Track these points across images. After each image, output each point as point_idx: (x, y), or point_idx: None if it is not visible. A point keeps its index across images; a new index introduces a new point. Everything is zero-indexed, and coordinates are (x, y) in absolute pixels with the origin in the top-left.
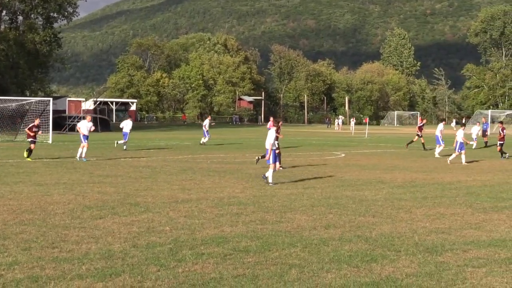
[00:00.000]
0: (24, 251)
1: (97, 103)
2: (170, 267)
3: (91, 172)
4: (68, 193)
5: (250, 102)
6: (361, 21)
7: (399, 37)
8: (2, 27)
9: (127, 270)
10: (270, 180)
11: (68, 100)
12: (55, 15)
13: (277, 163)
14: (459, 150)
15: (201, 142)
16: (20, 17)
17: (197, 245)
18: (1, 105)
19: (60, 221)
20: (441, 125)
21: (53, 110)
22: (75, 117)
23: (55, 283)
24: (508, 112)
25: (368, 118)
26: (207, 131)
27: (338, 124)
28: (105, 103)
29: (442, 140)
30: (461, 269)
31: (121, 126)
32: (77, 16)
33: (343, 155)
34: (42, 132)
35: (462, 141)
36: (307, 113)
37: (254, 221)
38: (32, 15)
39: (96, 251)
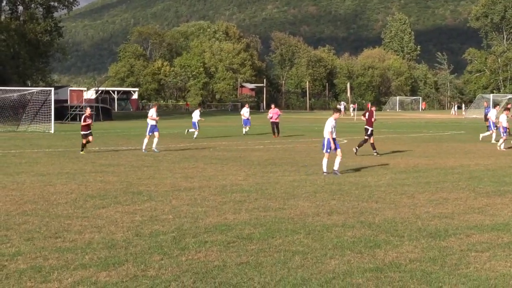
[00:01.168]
0: (27, 242)
1: (99, 92)
2: (174, 255)
3: (94, 162)
4: (71, 183)
5: (251, 89)
6: (361, 7)
7: (399, 22)
8: (3, 17)
9: (130, 259)
10: (324, 168)
11: (70, 90)
12: (56, 4)
13: (338, 149)
14: (504, 134)
15: (244, 132)
16: (20, 7)
17: (200, 233)
18: (3, 96)
19: (62, 211)
20: (494, 111)
21: (54, 100)
22: (76, 106)
23: (58, 273)
24: (510, 96)
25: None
26: (247, 119)
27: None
28: (107, 92)
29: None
30: (465, 253)
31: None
32: (77, 5)
33: (345, 141)
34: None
35: (506, 125)
36: (309, 99)
37: (257, 208)
38: (33, 5)
39: (99, 240)
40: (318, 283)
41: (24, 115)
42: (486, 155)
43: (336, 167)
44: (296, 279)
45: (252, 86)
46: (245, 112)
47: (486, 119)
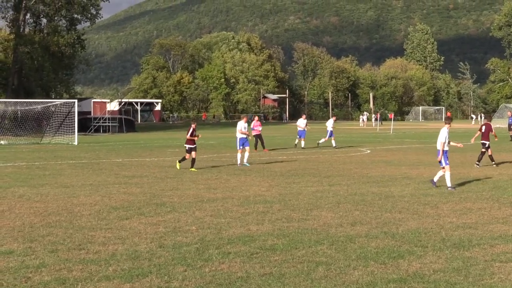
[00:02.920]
0: (51, 253)
1: (122, 104)
2: (197, 266)
3: (117, 173)
4: (94, 195)
5: (274, 100)
6: (384, 17)
7: (422, 32)
8: (27, 30)
9: (154, 270)
10: (448, 183)
11: (93, 102)
12: (79, 17)
13: (447, 165)
14: None
15: (296, 143)
16: (44, 20)
17: (224, 244)
18: (27, 108)
19: (86, 222)
20: None
21: (78, 112)
22: (100, 118)
23: (82, 284)
24: None
25: (392, 114)
26: (303, 130)
27: (363, 120)
28: (130, 103)
29: None
30: (489, 264)
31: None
32: (100, 18)
33: (368, 151)
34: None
35: None
36: (332, 109)
37: (280, 219)
38: (56, 18)
39: (122, 252)
40: None
41: (48, 127)
42: (510, 165)
43: (448, 183)
44: None
45: (275, 97)
46: (301, 123)
47: (510, 129)
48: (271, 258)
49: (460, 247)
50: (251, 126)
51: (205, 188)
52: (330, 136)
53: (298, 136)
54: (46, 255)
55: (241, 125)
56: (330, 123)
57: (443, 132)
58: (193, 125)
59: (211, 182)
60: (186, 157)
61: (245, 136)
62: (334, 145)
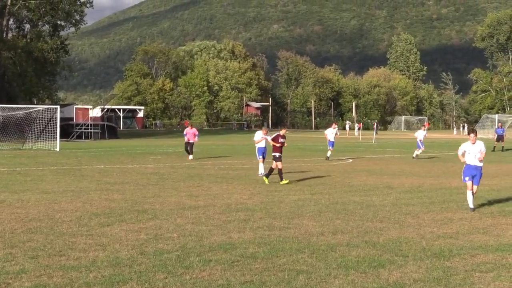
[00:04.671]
0: (31, 259)
1: (105, 110)
2: (178, 274)
3: (99, 180)
4: (76, 201)
5: (257, 108)
6: (367, 26)
7: (405, 42)
8: (10, 35)
9: (134, 277)
10: (470, 204)
11: (76, 108)
12: (63, 23)
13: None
14: None
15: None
16: (28, 25)
17: (205, 251)
18: (9, 113)
19: (67, 228)
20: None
21: (60, 118)
22: (82, 124)
23: None
24: None
25: (376, 122)
26: (332, 141)
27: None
28: (112, 110)
29: None
30: (469, 274)
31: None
32: (84, 24)
33: (350, 160)
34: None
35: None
36: (315, 118)
37: (262, 227)
38: (40, 23)
39: (103, 258)
40: None
41: (30, 133)
42: (491, 175)
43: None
44: None
45: (258, 105)
46: (330, 133)
47: (501, 139)
48: (252, 266)
49: (441, 257)
50: (184, 132)
51: (186, 195)
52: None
53: (329, 147)
54: (27, 261)
55: (258, 135)
56: (330, 132)
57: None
58: (281, 132)
59: (193, 189)
60: (274, 167)
61: (263, 146)
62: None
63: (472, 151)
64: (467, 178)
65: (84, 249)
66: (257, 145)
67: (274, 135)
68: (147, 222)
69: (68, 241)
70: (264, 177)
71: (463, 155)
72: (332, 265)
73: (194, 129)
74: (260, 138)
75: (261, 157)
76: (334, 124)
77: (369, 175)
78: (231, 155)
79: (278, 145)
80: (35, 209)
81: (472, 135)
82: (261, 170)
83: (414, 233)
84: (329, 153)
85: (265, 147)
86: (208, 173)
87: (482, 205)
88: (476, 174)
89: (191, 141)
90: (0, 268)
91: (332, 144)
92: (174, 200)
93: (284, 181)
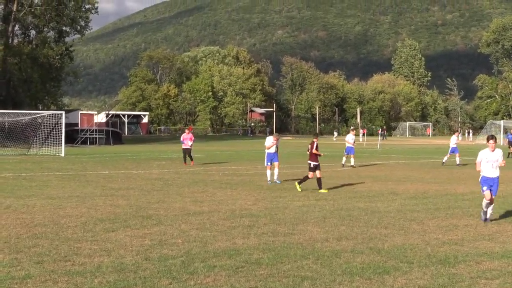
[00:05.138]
0: (37, 265)
1: (109, 116)
2: (182, 279)
3: (103, 185)
4: (81, 206)
5: (261, 113)
6: (371, 32)
7: (410, 48)
8: (16, 41)
9: (139, 283)
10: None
11: (81, 113)
12: (68, 29)
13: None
14: None
15: (350, 163)
16: (33, 31)
17: (209, 257)
18: (14, 119)
19: (72, 234)
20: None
21: (65, 124)
22: (87, 130)
23: None
24: None
25: (380, 130)
26: (351, 147)
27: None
28: (117, 116)
29: None
30: (474, 281)
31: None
32: (89, 30)
33: (355, 166)
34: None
35: None
36: (319, 124)
37: (266, 233)
38: (45, 30)
39: (108, 264)
40: None
41: (35, 138)
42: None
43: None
44: None
45: (262, 110)
46: (350, 138)
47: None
48: (256, 272)
49: (446, 264)
50: (181, 139)
51: (191, 201)
52: (350, 153)
53: (345, 153)
54: (32, 267)
55: (269, 141)
56: (350, 138)
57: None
58: (315, 140)
59: (198, 195)
60: (310, 176)
61: (273, 151)
62: (352, 163)
63: (491, 159)
64: (484, 188)
65: (89, 254)
66: (267, 151)
67: (313, 144)
68: (152, 228)
69: (73, 246)
70: (297, 184)
71: (480, 164)
72: (337, 272)
73: (191, 134)
74: (271, 143)
75: (269, 163)
76: (353, 131)
77: (374, 181)
78: (235, 161)
79: (316, 153)
80: (41, 215)
81: (491, 141)
82: (269, 177)
83: (419, 240)
84: (352, 160)
85: (275, 153)
86: (212, 179)
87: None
88: (493, 184)
89: (188, 146)
90: (5, 273)
91: (353, 150)
92: (179, 206)
93: (323, 190)
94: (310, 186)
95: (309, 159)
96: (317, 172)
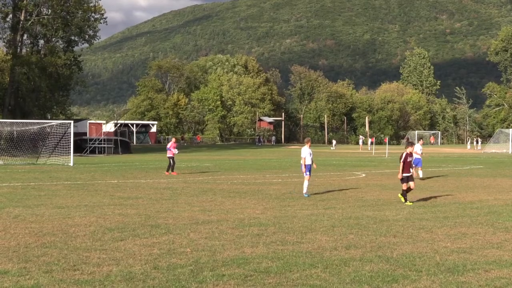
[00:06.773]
0: (45, 274)
1: (118, 125)
2: None
3: (112, 195)
4: (89, 216)
5: (270, 122)
6: (380, 41)
7: (419, 56)
8: (24, 50)
9: None
10: None
11: (89, 123)
12: (76, 38)
13: None
14: None
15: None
16: (41, 41)
17: (218, 266)
18: (23, 128)
19: (81, 243)
20: None
21: (74, 133)
22: (95, 139)
23: None
24: None
25: (387, 138)
26: (419, 158)
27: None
28: (126, 125)
29: None
30: None
31: None
32: (98, 39)
33: (363, 175)
34: None
35: None
36: (327, 133)
37: (275, 242)
38: (53, 39)
39: (117, 273)
40: None
41: (44, 147)
42: (505, 189)
43: None
44: None
45: (271, 119)
46: (419, 149)
47: None
48: (265, 280)
49: (455, 272)
50: (167, 146)
51: (200, 210)
52: (418, 165)
53: (413, 165)
54: (41, 276)
55: (305, 152)
56: (419, 149)
57: None
58: (408, 150)
59: (206, 204)
60: (404, 188)
61: (309, 162)
62: (421, 175)
63: None
64: None
65: (98, 263)
66: (306, 163)
67: (405, 155)
68: (161, 237)
69: (82, 255)
70: (403, 198)
71: None
72: (346, 280)
73: (175, 143)
74: (308, 154)
75: (308, 173)
76: (421, 140)
77: (382, 189)
78: (243, 170)
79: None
80: (49, 224)
81: None
82: (306, 189)
83: (427, 248)
84: (421, 173)
85: (312, 162)
86: (221, 187)
87: (496, 220)
88: None
89: (173, 154)
90: (14, 283)
91: (420, 162)
92: (187, 215)
93: (408, 202)
94: (318, 194)
95: (403, 172)
96: (411, 183)
